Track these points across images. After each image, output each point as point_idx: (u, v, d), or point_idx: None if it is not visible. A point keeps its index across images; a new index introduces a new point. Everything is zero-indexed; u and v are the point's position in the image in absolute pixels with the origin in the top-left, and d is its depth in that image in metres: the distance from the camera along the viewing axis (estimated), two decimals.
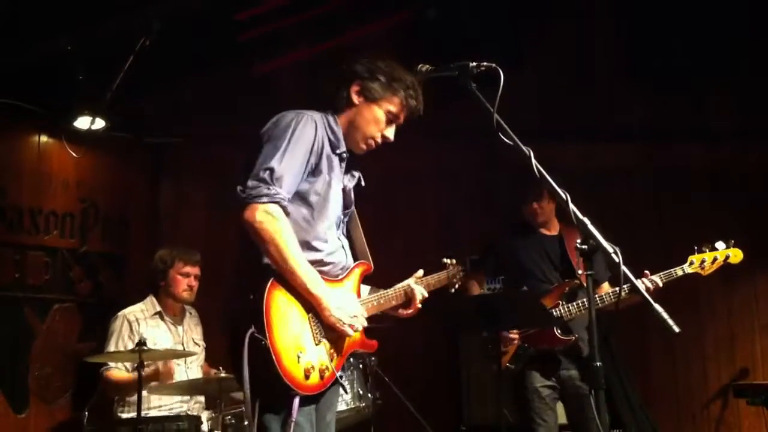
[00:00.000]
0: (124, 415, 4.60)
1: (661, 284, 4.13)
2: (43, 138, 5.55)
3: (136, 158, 6.08)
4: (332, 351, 2.69)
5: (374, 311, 2.89)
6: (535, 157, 2.42)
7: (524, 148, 2.44)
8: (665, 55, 6.26)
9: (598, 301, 4.09)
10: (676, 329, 2.27)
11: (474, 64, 2.56)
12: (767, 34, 6.08)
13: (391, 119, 2.88)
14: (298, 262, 2.57)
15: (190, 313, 4.97)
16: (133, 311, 4.77)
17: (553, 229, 4.58)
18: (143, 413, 4.32)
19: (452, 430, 5.57)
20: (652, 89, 6.37)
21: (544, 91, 6.35)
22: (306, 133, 2.69)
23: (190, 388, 4.52)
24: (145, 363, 4.17)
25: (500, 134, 2.46)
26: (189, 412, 4.63)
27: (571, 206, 2.38)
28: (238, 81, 6.19)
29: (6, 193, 5.28)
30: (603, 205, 4.66)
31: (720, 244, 4.25)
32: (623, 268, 2.30)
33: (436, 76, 2.72)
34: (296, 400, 2.54)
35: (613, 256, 2.33)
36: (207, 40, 5.59)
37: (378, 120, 2.85)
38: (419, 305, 3.01)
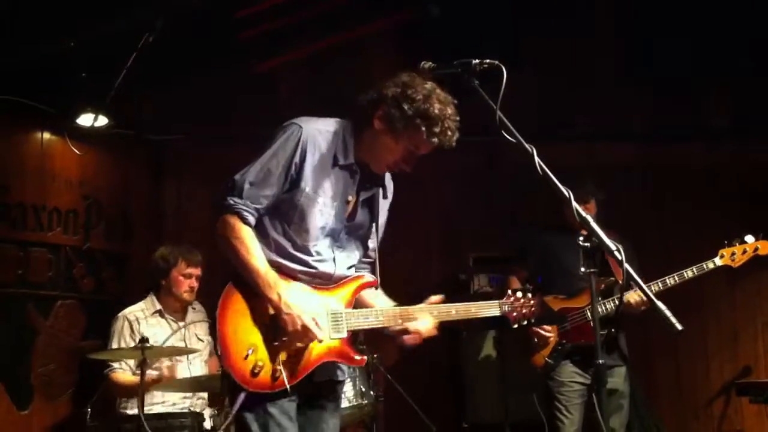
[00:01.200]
0: (127, 412, 4.62)
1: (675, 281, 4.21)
2: (46, 135, 5.55)
3: (138, 156, 6.09)
4: (296, 356, 2.67)
5: (363, 327, 2.80)
6: (537, 155, 2.42)
7: (527, 145, 2.44)
8: (665, 54, 6.25)
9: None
10: (679, 327, 2.27)
11: (477, 61, 2.56)
12: (767, 34, 6.07)
13: (410, 152, 2.78)
14: (253, 266, 2.64)
15: (194, 309, 4.96)
16: (133, 311, 4.78)
17: None
18: (147, 409, 4.33)
19: (454, 427, 5.57)
20: (652, 88, 6.37)
21: (544, 90, 6.35)
22: (286, 147, 2.71)
23: (193, 385, 4.53)
24: (149, 367, 4.19)
25: (503, 131, 2.46)
26: (192, 409, 4.64)
27: (574, 204, 2.39)
28: (239, 79, 6.20)
29: (9, 191, 5.29)
30: (603, 203, 4.69)
31: (749, 237, 4.36)
32: (626, 266, 2.30)
33: (438, 74, 2.71)
34: (242, 395, 2.60)
35: (616, 254, 2.34)
36: (208, 39, 5.60)
37: (394, 151, 2.77)
38: (411, 340, 2.82)
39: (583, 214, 2.41)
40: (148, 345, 4.09)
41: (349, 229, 2.85)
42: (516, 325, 3.06)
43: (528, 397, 4.91)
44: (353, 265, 2.91)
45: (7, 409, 5.06)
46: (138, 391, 4.16)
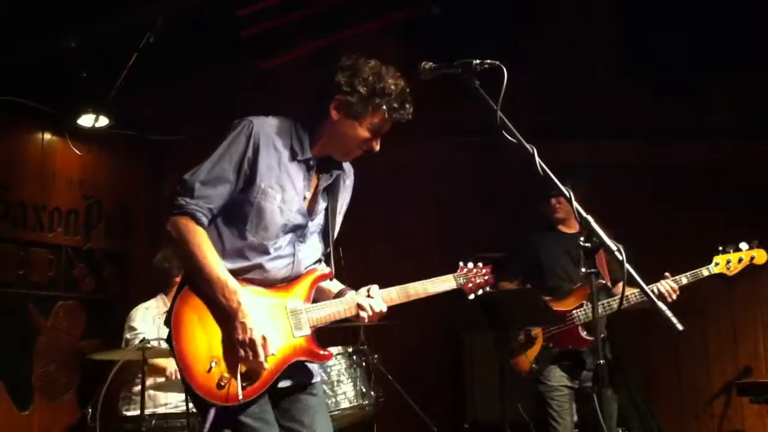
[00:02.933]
0: (129, 413, 4.62)
1: (677, 286, 4.13)
2: (47, 136, 5.56)
3: (139, 156, 6.09)
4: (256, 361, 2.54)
5: (324, 321, 2.71)
6: (538, 155, 2.42)
7: (527, 145, 2.43)
8: (665, 53, 6.25)
9: (616, 303, 4.14)
10: (680, 327, 2.27)
11: (477, 61, 2.54)
12: (767, 32, 6.07)
13: (374, 132, 2.71)
14: (208, 271, 2.51)
15: None
16: (148, 305, 4.82)
17: (573, 227, 4.56)
18: (149, 411, 4.33)
19: (455, 427, 5.57)
20: (652, 87, 6.37)
21: (544, 89, 6.35)
22: (237, 143, 2.62)
23: None
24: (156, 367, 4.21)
25: (503, 132, 2.46)
26: (194, 410, 4.64)
27: (575, 204, 2.38)
28: (239, 78, 6.21)
29: (10, 191, 5.29)
30: (603, 202, 4.66)
31: (743, 245, 4.25)
32: (627, 266, 2.29)
33: (439, 74, 2.70)
34: (212, 412, 2.48)
35: (617, 254, 2.33)
36: (209, 38, 5.60)
37: (359, 135, 2.70)
38: (364, 315, 2.73)
39: (584, 214, 2.40)
40: (149, 345, 4.10)
41: (312, 223, 2.75)
42: (472, 296, 3.03)
43: (529, 398, 4.89)
44: (318, 260, 2.83)
45: (8, 409, 5.06)
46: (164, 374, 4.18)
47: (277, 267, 2.66)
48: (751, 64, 6.18)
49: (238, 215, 2.63)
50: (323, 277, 2.79)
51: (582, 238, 2.47)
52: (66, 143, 5.59)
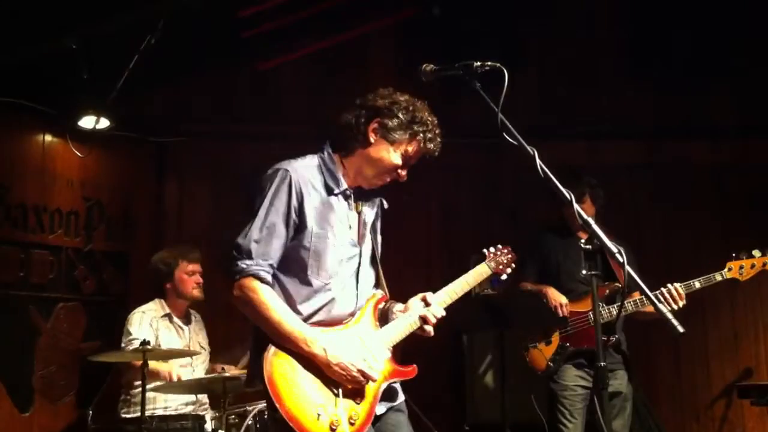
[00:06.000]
0: (128, 415, 4.61)
1: (684, 292, 4.15)
2: (48, 137, 5.56)
3: (140, 157, 6.09)
4: (357, 396, 2.66)
5: (397, 340, 2.82)
6: (539, 157, 2.42)
7: (528, 148, 2.43)
8: (666, 52, 6.25)
9: (630, 305, 4.19)
10: (681, 329, 2.27)
11: (478, 63, 2.55)
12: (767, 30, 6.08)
13: (405, 161, 2.80)
14: (286, 327, 2.57)
15: (195, 318, 4.99)
16: (147, 309, 4.81)
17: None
18: (149, 413, 4.33)
19: (455, 428, 5.57)
20: (653, 87, 6.37)
21: (545, 88, 6.35)
22: (280, 194, 2.66)
23: (194, 386, 4.53)
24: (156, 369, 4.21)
25: (504, 134, 2.46)
26: (195, 413, 4.64)
27: (575, 206, 2.38)
28: (240, 79, 6.21)
29: (11, 192, 5.29)
30: (601, 199, 4.68)
31: (756, 252, 4.29)
32: (627, 268, 2.29)
33: (440, 76, 2.71)
34: None
35: (618, 256, 2.33)
36: (210, 39, 5.61)
37: (392, 161, 2.77)
38: (431, 329, 2.88)
39: (585, 216, 2.41)
40: (149, 347, 4.10)
41: (363, 251, 2.83)
42: (504, 276, 3.21)
43: (528, 398, 4.89)
44: (373, 285, 2.91)
45: (8, 411, 5.06)
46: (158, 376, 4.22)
47: (344, 302, 2.74)
48: (752, 63, 6.19)
49: (297, 263, 2.69)
50: (381, 301, 2.88)
51: (583, 241, 2.48)
52: (67, 144, 5.58)
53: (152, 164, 6.16)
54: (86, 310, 5.55)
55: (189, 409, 4.68)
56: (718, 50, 6.13)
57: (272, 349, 2.58)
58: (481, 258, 3.18)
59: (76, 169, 5.66)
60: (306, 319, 2.65)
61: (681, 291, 4.15)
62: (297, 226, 2.67)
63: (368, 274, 2.86)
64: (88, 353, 4.87)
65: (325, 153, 2.80)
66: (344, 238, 2.75)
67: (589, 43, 6.51)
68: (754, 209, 6.12)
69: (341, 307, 2.73)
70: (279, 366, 2.57)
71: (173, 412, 4.59)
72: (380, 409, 2.73)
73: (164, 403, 4.62)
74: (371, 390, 2.68)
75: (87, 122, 5.44)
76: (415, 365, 2.86)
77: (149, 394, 4.33)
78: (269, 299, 2.60)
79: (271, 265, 2.65)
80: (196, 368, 4.75)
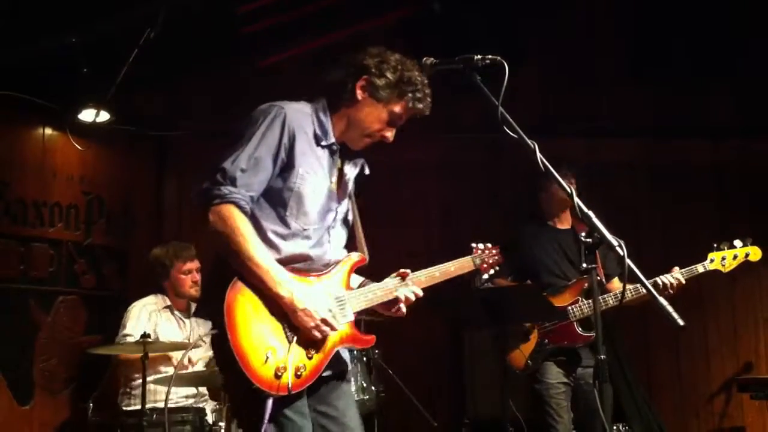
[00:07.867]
0: (129, 408, 4.62)
1: (676, 282, 4.12)
2: (48, 131, 5.56)
3: (140, 151, 6.09)
4: (311, 349, 2.58)
5: (364, 306, 2.76)
6: (539, 151, 2.42)
7: (529, 141, 2.44)
8: (666, 51, 6.25)
9: (611, 299, 4.13)
10: (681, 323, 2.27)
11: (479, 57, 2.56)
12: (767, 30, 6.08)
13: (393, 120, 2.76)
14: (257, 262, 2.48)
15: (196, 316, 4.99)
16: (147, 302, 4.83)
17: (566, 223, 4.56)
18: (150, 405, 4.34)
19: (456, 423, 5.58)
20: (653, 87, 6.37)
21: (545, 87, 6.35)
22: (273, 129, 2.61)
23: (194, 379, 4.54)
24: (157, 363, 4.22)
25: (505, 128, 2.46)
26: (196, 405, 4.65)
27: (576, 200, 2.39)
28: (241, 74, 6.20)
29: (10, 186, 5.29)
30: (605, 200, 4.67)
31: (737, 242, 4.25)
32: (628, 261, 2.30)
33: (441, 70, 2.71)
34: (269, 402, 2.46)
35: (618, 249, 2.33)
36: (211, 34, 5.60)
37: (380, 119, 2.74)
38: (404, 307, 2.82)
39: (585, 210, 2.41)
40: (150, 339, 4.11)
41: (340, 208, 2.78)
42: (486, 275, 3.20)
43: (521, 397, 4.87)
44: (345, 245, 2.85)
45: (8, 404, 5.07)
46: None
47: (318, 254, 2.68)
48: (752, 63, 6.19)
49: (276, 202, 2.62)
50: (359, 263, 2.83)
51: (583, 234, 2.48)
52: (66, 139, 5.58)
53: (152, 159, 6.16)
54: (86, 304, 5.56)
55: (190, 401, 4.69)
56: (718, 50, 6.13)
57: (238, 283, 2.50)
58: (470, 252, 3.17)
59: (76, 163, 5.66)
60: (280, 263, 2.56)
61: (677, 278, 4.11)
62: (284, 165, 2.61)
63: (340, 234, 2.81)
64: (88, 347, 4.88)
65: (320, 104, 2.77)
66: (324, 189, 2.70)
67: (589, 42, 6.50)
68: (753, 209, 6.13)
69: (316, 258, 2.67)
70: (240, 298, 2.49)
71: (174, 404, 4.59)
72: (326, 372, 2.64)
73: (165, 395, 4.63)
74: (326, 348, 2.60)
75: (87, 115, 5.44)
76: (373, 335, 2.80)
77: (149, 387, 4.34)
78: (245, 230, 2.50)
79: (251, 198, 2.56)
80: (197, 364, 4.75)
